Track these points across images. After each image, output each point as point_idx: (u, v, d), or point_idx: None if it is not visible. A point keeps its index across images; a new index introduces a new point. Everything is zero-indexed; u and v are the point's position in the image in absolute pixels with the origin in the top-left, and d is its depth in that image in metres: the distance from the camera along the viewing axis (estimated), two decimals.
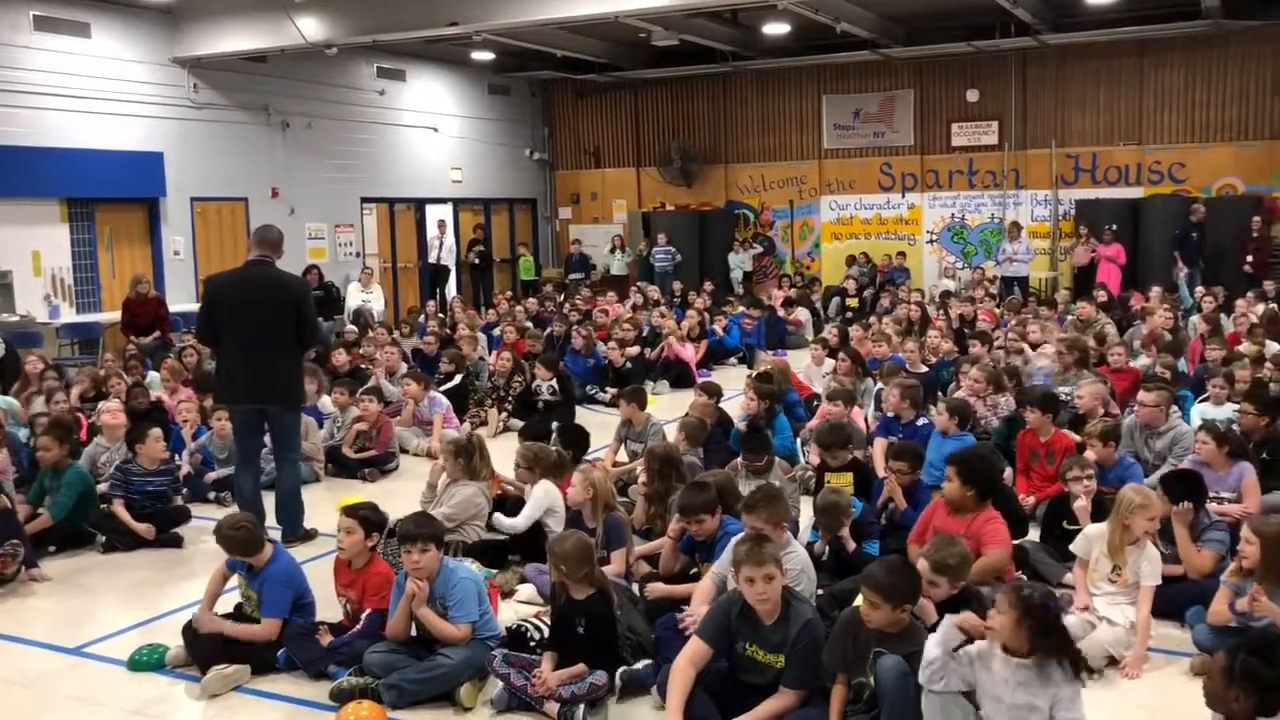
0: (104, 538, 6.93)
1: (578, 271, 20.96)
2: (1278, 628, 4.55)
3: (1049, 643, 3.70)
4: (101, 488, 7.29)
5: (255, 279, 6.86)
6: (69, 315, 13.93)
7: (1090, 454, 6.55)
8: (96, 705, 4.78)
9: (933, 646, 3.78)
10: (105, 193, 14.43)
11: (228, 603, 5.29)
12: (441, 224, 19.72)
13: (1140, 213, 17.67)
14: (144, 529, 6.90)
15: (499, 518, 6.31)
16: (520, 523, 6.24)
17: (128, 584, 6.36)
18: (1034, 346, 10.75)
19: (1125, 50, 17.85)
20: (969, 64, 18.95)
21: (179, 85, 15.22)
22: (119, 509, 6.98)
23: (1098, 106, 18.48)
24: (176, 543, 7.01)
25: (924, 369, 10.01)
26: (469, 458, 6.57)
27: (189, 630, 5.06)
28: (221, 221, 16.05)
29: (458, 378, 10.88)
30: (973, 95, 19.25)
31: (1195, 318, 12.36)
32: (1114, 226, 17.20)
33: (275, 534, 6.52)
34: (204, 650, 4.93)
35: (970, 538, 5.26)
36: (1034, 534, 6.34)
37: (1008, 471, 7.28)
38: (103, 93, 14.18)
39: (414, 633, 4.83)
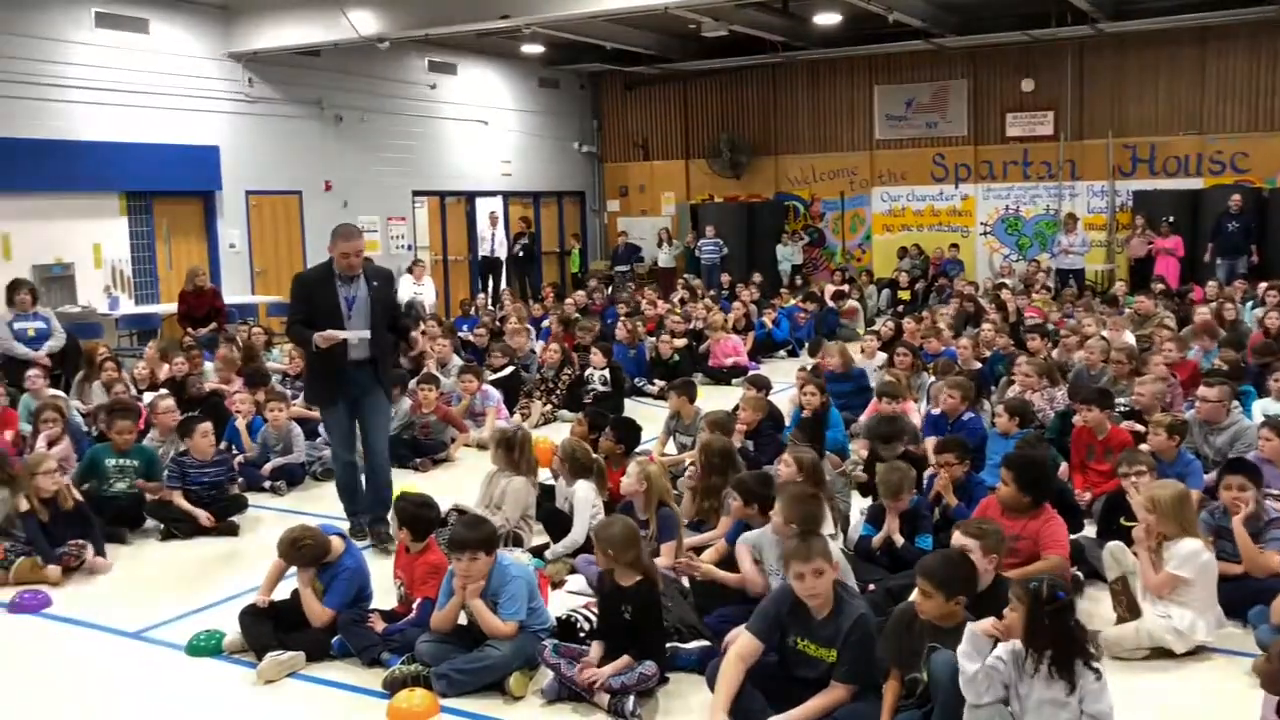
0: (162, 526, 7.06)
1: (623, 264, 20.97)
2: None
3: (1063, 636, 3.63)
4: None
5: None
6: (128, 307, 14.19)
7: (1147, 445, 6.44)
8: (156, 689, 4.87)
9: (968, 662, 3.71)
10: (163, 186, 14.69)
11: (286, 589, 5.34)
12: (493, 216, 19.83)
13: (1200, 204, 17.31)
14: (203, 516, 7.02)
15: (556, 548, 6.23)
16: (578, 536, 6.21)
17: (185, 571, 6.46)
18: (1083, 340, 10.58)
19: (1186, 38, 17.49)
20: (1024, 53, 18.68)
21: (234, 80, 15.44)
22: (177, 497, 7.10)
23: (1156, 96, 18.13)
24: (233, 531, 7.13)
25: (978, 364, 9.89)
26: (510, 450, 6.59)
27: (246, 617, 5.14)
28: (276, 215, 16.27)
29: (509, 369, 10.95)
30: (1028, 85, 18.97)
31: (1256, 310, 12.10)
32: (1171, 218, 16.87)
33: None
34: (260, 637, 5.01)
35: (1027, 538, 5.22)
36: (1090, 530, 6.24)
37: (1062, 466, 7.19)
38: (160, 88, 14.42)
39: (464, 621, 4.86)
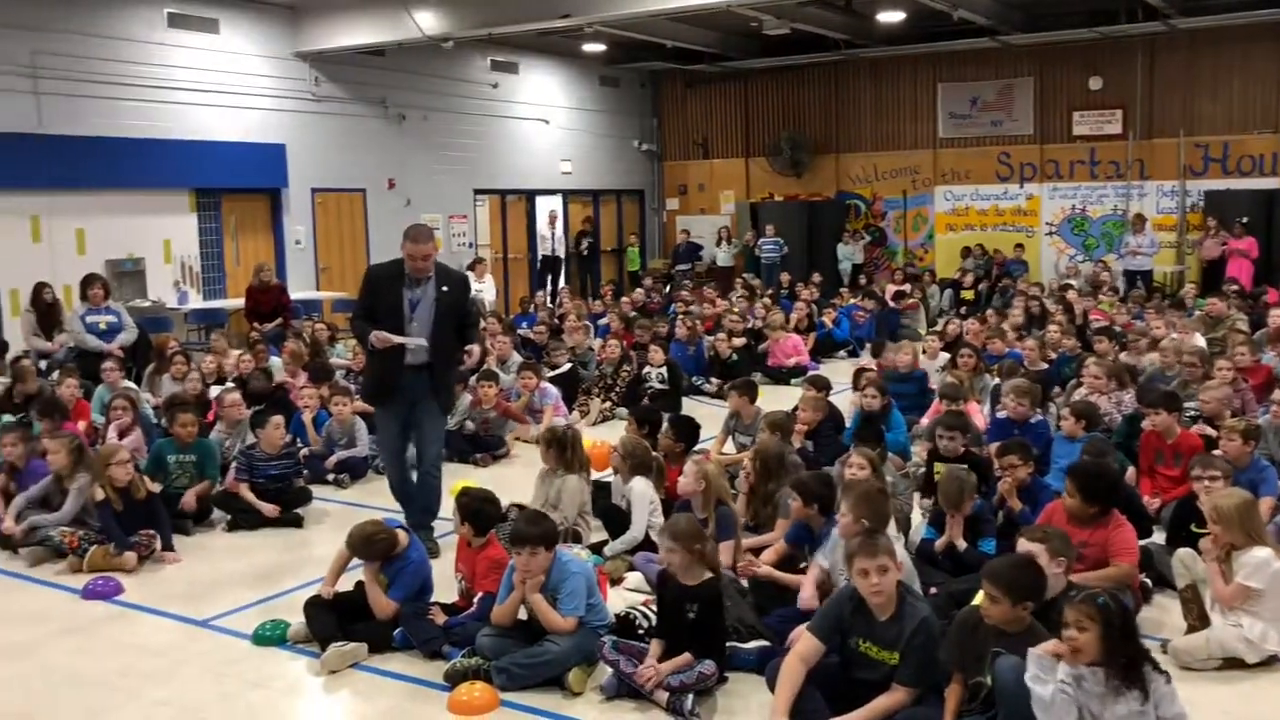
0: (229, 516, 7.20)
1: (685, 262, 20.97)
2: None
3: (1135, 647, 3.59)
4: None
5: None
6: (196, 301, 14.52)
7: (1220, 450, 6.30)
8: (222, 675, 4.96)
9: (1039, 686, 3.63)
10: (231, 183, 14.97)
11: (349, 581, 5.41)
12: (552, 215, 19.94)
13: (1276, 204, 16.88)
14: (269, 508, 7.14)
15: (614, 545, 6.24)
16: (637, 533, 6.21)
17: (251, 562, 6.57)
18: (1156, 343, 10.38)
19: (1261, 34, 17.06)
20: (1092, 50, 18.35)
21: (301, 79, 15.70)
22: (243, 490, 7.23)
23: (1230, 93, 17.72)
24: (297, 523, 7.23)
25: (1044, 366, 9.75)
26: (562, 449, 6.59)
27: (310, 608, 5.22)
28: (340, 212, 16.50)
29: (566, 365, 11.01)
30: (1096, 83, 18.65)
31: None
32: (1245, 219, 16.46)
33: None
34: (324, 627, 5.08)
35: (1095, 545, 5.13)
36: (1159, 536, 6.11)
37: (1130, 471, 7.05)
38: (229, 87, 14.70)
39: (524, 616, 4.89)
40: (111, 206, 13.61)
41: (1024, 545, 4.38)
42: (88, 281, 11.20)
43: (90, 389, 9.39)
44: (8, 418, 8.38)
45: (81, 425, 8.44)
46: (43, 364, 10.83)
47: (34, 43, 12.69)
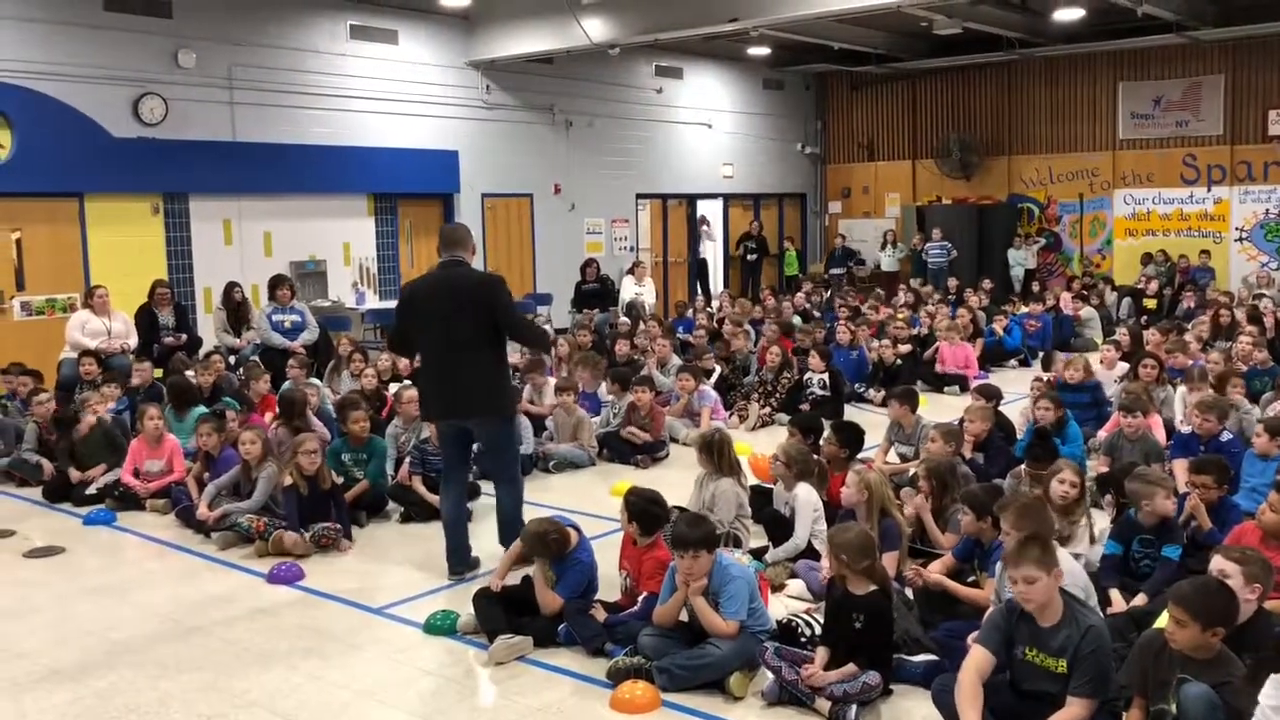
0: (402, 509, 7.48)
1: (839, 266, 20.69)
2: None
3: None
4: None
5: (448, 281, 6.22)
6: (373, 301, 15.13)
7: None
8: (396, 662, 5.16)
9: (1275, 714, 3.42)
10: (407, 188, 15.55)
11: (513, 575, 5.55)
12: (703, 219, 19.98)
13: None
14: (439, 501, 7.36)
15: (776, 552, 6.22)
16: (800, 540, 6.18)
17: (423, 552, 6.78)
18: None
19: None
20: None
21: (473, 87, 16.18)
22: (416, 483, 7.51)
23: None
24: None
25: None
26: (711, 453, 6.61)
27: (479, 600, 5.37)
28: (509, 216, 16.93)
29: (717, 370, 10.99)
30: None
31: None
32: None
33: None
34: (492, 620, 5.23)
35: None
36: None
37: None
38: (406, 95, 15.27)
39: (685, 618, 4.91)
40: (296, 211, 14.33)
41: (1218, 564, 4.13)
42: (276, 282, 11.81)
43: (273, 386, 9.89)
44: (201, 409, 8.91)
45: (268, 418, 8.91)
46: (231, 359, 11.48)
47: (232, 56, 13.48)
